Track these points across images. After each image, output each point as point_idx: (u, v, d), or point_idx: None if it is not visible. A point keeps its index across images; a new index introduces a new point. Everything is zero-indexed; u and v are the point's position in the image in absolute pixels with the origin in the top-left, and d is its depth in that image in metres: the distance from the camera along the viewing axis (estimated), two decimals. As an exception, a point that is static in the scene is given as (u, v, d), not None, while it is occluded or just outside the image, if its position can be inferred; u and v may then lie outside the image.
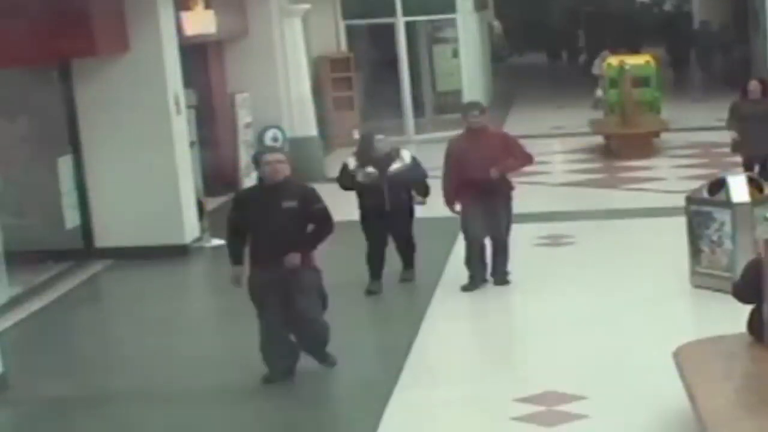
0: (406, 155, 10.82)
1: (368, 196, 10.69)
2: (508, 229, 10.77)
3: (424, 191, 10.96)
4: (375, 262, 10.85)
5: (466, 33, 23.64)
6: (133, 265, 12.69)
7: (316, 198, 8.30)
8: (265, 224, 8.16)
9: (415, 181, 10.86)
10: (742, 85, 14.49)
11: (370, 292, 10.75)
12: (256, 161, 8.45)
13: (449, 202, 10.71)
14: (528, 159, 10.82)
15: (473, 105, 11.05)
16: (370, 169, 10.62)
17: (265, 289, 8.22)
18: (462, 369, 8.74)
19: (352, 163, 10.75)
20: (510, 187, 10.71)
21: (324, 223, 8.31)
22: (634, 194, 15.47)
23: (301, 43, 17.75)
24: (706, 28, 30.56)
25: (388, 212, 10.66)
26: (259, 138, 17.27)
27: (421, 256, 11.22)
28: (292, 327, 8.33)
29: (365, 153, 10.72)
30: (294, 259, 8.13)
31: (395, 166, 10.68)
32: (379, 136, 10.81)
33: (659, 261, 11.27)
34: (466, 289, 10.70)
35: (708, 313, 9.40)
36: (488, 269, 10.86)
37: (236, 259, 8.48)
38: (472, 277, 10.74)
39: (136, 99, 12.90)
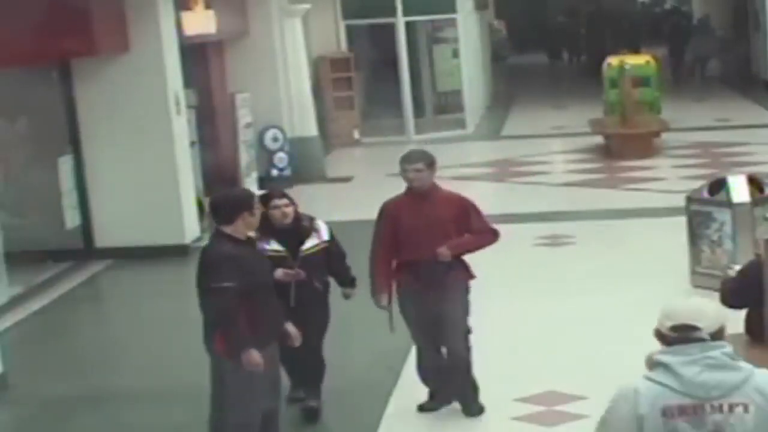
0: (322, 229, 7.83)
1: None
2: (466, 339, 7.72)
3: (350, 280, 7.97)
4: (286, 365, 7.63)
5: (466, 33, 23.61)
6: (133, 265, 12.70)
7: None
8: None
9: (335, 269, 7.92)
10: None
11: (292, 400, 8.01)
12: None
13: (376, 291, 7.66)
14: (492, 235, 7.71)
15: (416, 155, 7.61)
16: (276, 246, 7.58)
17: None
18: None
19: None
20: (468, 275, 7.73)
21: None
22: (634, 194, 15.47)
23: (301, 43, 17.75)
24: (704, 24, 30.57)
25: (292, 309, 7.34)
26: (259, 138, 17.30)
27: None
28: None
29: (267, 222, 7.45)
30: None
31: (310, 243, 7.73)
32: (281, 201, 7.68)
33: (659, 261, 11.27)
34: (424, 409, 7.91)
35: (708, 313, 9.37)
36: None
37: None
38: (432, 394, 7.91)
39: (136, 99, 12.92)
